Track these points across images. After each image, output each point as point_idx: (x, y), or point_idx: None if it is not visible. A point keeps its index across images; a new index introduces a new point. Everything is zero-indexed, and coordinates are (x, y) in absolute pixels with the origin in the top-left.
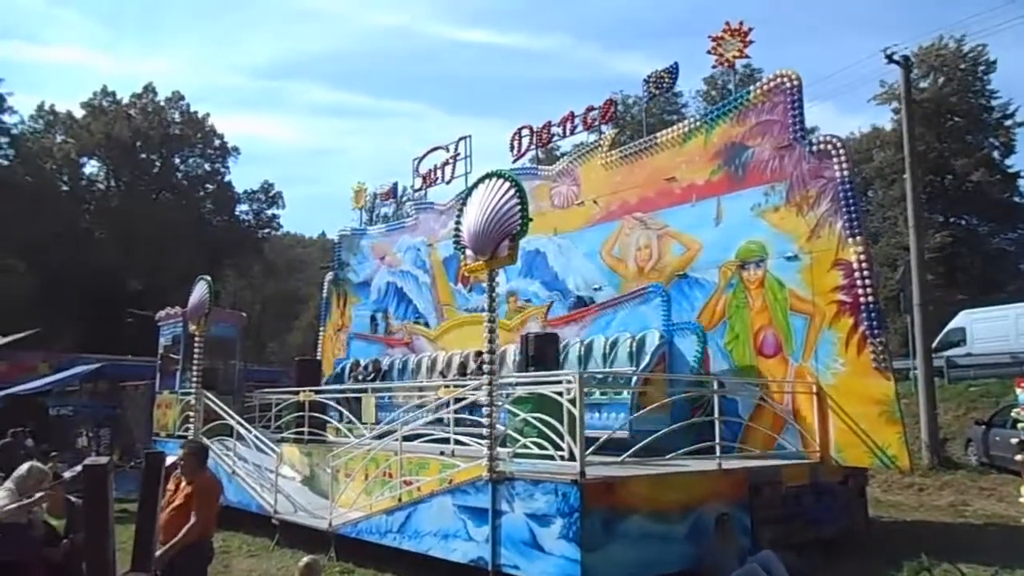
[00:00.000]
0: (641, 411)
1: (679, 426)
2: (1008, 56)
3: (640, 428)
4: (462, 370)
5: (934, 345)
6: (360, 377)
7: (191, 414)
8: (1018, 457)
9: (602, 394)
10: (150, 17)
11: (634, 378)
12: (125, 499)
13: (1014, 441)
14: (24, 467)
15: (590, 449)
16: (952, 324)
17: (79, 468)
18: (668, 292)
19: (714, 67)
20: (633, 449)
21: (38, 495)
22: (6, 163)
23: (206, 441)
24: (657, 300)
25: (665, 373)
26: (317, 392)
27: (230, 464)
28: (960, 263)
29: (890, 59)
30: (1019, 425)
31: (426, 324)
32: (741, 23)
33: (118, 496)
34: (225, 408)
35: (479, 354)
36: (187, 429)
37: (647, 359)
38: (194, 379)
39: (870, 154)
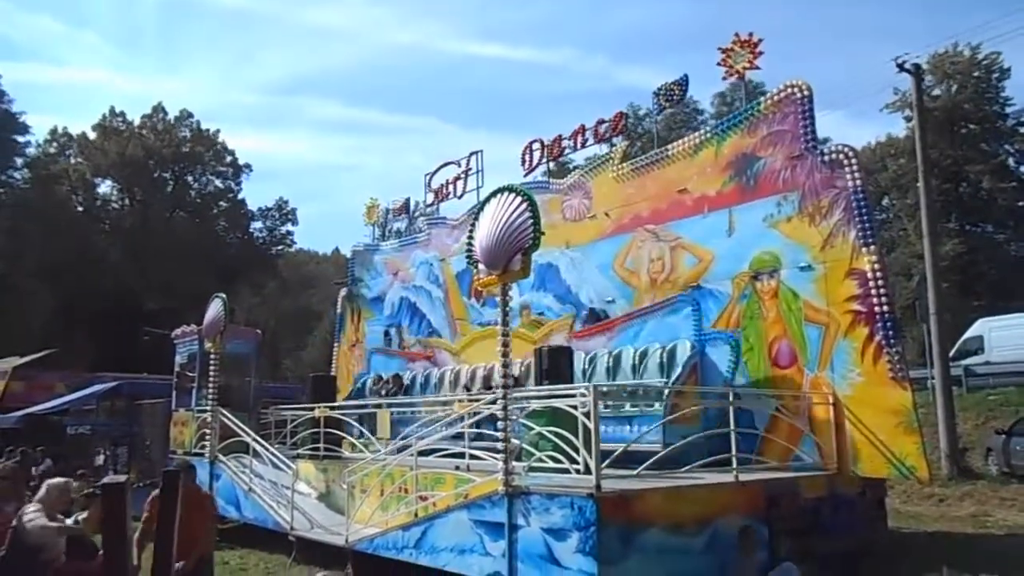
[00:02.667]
0: (661, 422)
1: (702, 437)
2: (1021, 62)
3: (672, 440)
4: (486, 383)
5: (952, 354)
6: (382, 392)
7: (207, 431)
8: None
9: (633, 407)
10: (167, 37)
11: (666, 391)
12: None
13: None
14: (44, 486)
15: (606, 461)
16: (969, 332)
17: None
18: (698, 301)
19: (724, 78)
20: (649, 462)
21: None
22: (23, 185)
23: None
24: (687, 310)
25: (691, 385)
26: (332, 408)
27: (247, 481)
28: (976, 271)
29: (901, 68)
30: None
31: (440, 339)
32: (751, 34)
33: (135, 515)
34: (241, 425)
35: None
36: (203, 446)
37: (679, 371)
38: (210, 396)
39: (884, 163)
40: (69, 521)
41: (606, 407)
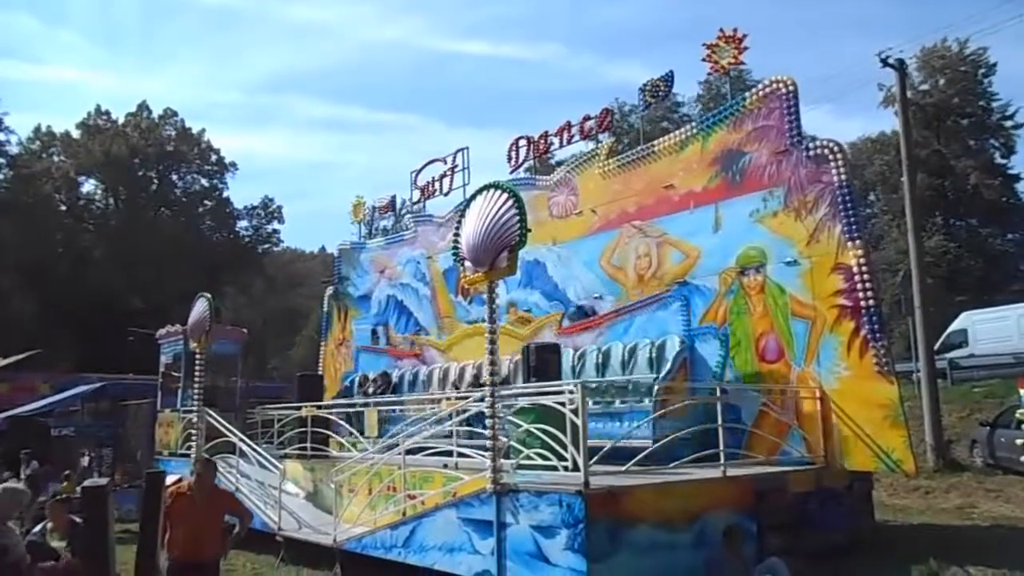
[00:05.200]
0: (650, 417)
1: (689, 432)
2: (1006, 56)
3: (661, 436)
4: (475, 382)
5: (936, 347)
6: (369, 391)
7: (193, 432)
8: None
9: (622, 403)
10: (148, 36)
11: (655, 387)
12: (126, 519)
13: (1019, 442)
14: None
15: (594, 458)
16: (954, 326)
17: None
18: (687, 296)
19: (709, 74)
20: (638, 457)
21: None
22: (4, 184)
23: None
24: (676, 305)
25: (679, 381)
26: (319, 407)
27: (233, 481)
28: (961, 265)
29: (885, 63)
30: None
31: (428, 336)
32: (735, 30)
33: (120, 516)
34: (227, 425)
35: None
36: (189, 447)
37: (668, 366)
38: (196, 397)
39: (871, 159)
40: (37, 529)
41: (595, 403)
